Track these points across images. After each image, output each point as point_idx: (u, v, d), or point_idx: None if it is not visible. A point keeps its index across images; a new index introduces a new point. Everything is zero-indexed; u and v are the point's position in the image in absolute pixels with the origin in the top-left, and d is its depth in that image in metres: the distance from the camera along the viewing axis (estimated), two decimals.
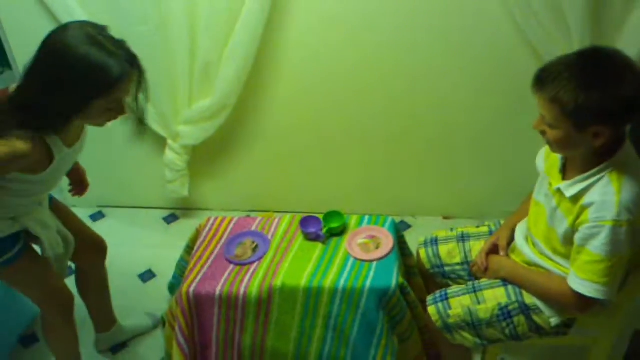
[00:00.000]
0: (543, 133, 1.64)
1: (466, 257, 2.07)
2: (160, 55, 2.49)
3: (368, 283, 1.95)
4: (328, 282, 1.96)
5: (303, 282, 1.97)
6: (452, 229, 2.16)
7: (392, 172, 2.90)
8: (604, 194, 1.57)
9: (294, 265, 2.03)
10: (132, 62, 1.64)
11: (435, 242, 2.13)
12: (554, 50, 2.27)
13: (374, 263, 2.02)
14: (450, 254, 2.09)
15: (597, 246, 1.57)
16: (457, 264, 2.08)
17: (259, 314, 2.00)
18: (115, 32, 2.42)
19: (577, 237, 1.62)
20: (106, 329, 2.42)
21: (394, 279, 1.95)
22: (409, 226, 2.98)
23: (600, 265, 1.58)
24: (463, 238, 2.11)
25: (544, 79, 1.56)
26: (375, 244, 2.09)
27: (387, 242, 2.09)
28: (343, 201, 2.80)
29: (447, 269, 2.09)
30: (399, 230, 2.19)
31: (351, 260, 2.04)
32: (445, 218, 3.01)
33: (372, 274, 1.98)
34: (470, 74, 2.54)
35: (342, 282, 1.96)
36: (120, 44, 1.63)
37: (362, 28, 2.46)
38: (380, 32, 2.46)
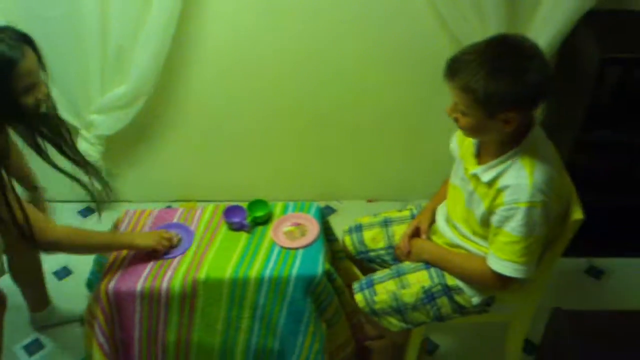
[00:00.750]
0: (456, 120, 1.66)
1: (390, 241, 2.09)
2: (70, 41, 2.38)
3: (294, 271, 1.93)
4: (254, 272, 1.93)
5: (228, 273, 1.93)
6: (375, 215, 2.18)
7: (316, 157, 2.89)
8: (517, 177, 1.61)
9: (219, 257, 1.98)
10: (22, 39, 1.61)
11: (359, 228, 2.14)
12: (472, 36, 2.31)
13: (300, 250, 2.00)
14: (374, 239, 2.11)
15: (514, 227, 1.62)
16: (382, 248, 2.10)
17: (183, 308, 1.94)
18: (21, 18, 2.31)
19: (494, 219, 1.66)
20: (39, 308, 2.38)
21: (320, 265, 1.94)
22: (334, 210, 2.99)
23: (518, 246, 1.63)
24: (386, 223, 2.13)
25: (454, 68, 1.57)
26: (301, 231, 2.07)
27: (313, 228, 2.07)
28: (267, 189, 2.77)
29: (372, 254, 2.11)
30: (324, 216, 2.18)
31: (277, 248, 2.01)
32: (369, 201, 3.03)
33: (298, 262, 1.96)
34: (391, 59, 2.56)
35: (268, 272, 1.93)
36: (3, 29, 1.60)
37: (283, 13, 2.42)
38: (303, 18, 2.43)
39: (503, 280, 1.70)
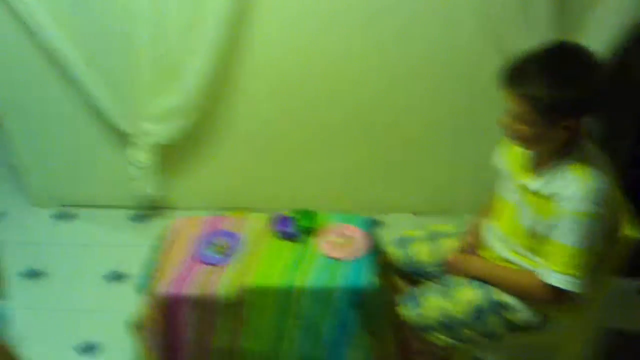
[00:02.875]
0: (509, 129, 1.64)
1: (437, 255, 2.07)
2: (126, 50, 2.43)
3: (341, 282, 1.93)
4: (300, 282, 1.94)
5: (275, 282, 1.94)
6: (422, 228, 2.16)
7: (364, 170, 2.89)
8: (569, 186, 1.59)
9: (266, 265, 2.00)
10: None
11: (406, 241, 2.13)
12: (520, 46, 2.28)
13: (347, 262, 2.00)
14: (421, 252, 2.09)
15: (567, 238, 1.59)
16: (429, 262, 2.08)
17: (232, 315, 1.97)
18: (80, 25, 2.39)
19: (546, 230, 1.64)
20: None
21: (367, 277, 1.94)
22: (380, 223, 2.98)
23: (571, 257, 1.60)
24: (434, 236, 2.11)
25: (514, 76, 1.57)
26: (348, 242, 2.07)
27: (360, 240, 2.07)
28: (315, 199, 2.78)
29: (418, 267, 2.09)
30: (372, 228, 2.18)
31: (323, 259, 2.02)
32: (415, 215, 3.01)
33: (345, 272, 1.96)
34: (439, 72, 2.54)
35: (315, 282, 1.94)
36: None
37: (337, 25, 2.43)
38: (355, 30, 2.45)
39: (556, 294, 1.66)
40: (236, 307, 1.96)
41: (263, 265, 2.00)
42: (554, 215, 1.60)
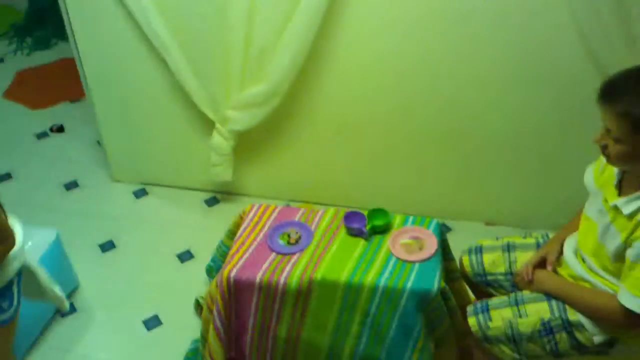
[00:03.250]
0: (604, 147, 1.60)
1: (510, 267, 2.03)
2: (217, 38, 2.50)
3: (409, 284, 1.93)
4: (368, 280, 1.95)
5: (343, 277, 1.96)
6: (497, 238, 2.13)
7: (438, 174, 2.86)
8: None
9: (335, 260, 2.02)
10: None
11: (480, 250, 2.10)
12: (617, 61, 2.20)
13: (416, 264, 2.00)
14: (494, 263, 2.06)
15: None
16: (501, 273, 2.04)
17: (297, 305, 2.00)
18: (177, 12, 2.47)
19: (631, 253, 1.59)
20: None
21: (436, 282, 1.93)
22: (449, 229, 2.94)
23: None
24: (509, 248, 2.07)
25: (612, 93, 1.53)
26: (419, 245, 2.07)
27: (431, 244, 2.06)
28: (387, 199, 2.77)
29: (490, 278, 2.06)
30: (443, 233, 2.16)
31: (393, 259, 2.02)
32: (487, 224, 2.96)
33: (413, 275, 1.96)
34: (532, 80, 2.48)
35: (382, 281, 1.94)
36: None
37: (423, 25, 2.41)
38: (441, 31, 2.42)
39: (633, 319, 1.61)
40: (302, 298, 1.98)
41: (333, 259, 2.02)
42: None
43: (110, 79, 2.85)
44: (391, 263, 2.01)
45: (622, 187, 1.69)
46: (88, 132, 3.50)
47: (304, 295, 1.98)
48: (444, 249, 2.15)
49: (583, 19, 2.23)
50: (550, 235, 2.02)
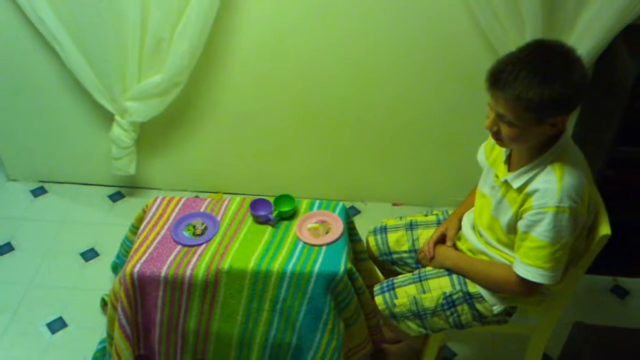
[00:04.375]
0: (497, 132, 1.65)
1: (414, 245, 2.09)
2: (110, 29, 2.41)
3: (316, 268, 1.94)
4: (276, 266, 1.95)
5: (251, 265, 1.94)
6: (401, 217, 2.18)
7: (344, 158, 2.90)
8: (547, 181, 1.61)
9: (243, 248, 2.00)
10: None
11: (384, 230, 2.15)
12: (507, 43, 2.30)
13: (323, 248, 2.01)
14: (398, 242, 2.11)
15: (541, 232, 1.61)
16: (405, 251, 2.10)
17: (205, 296, 1.97)
18: (65, 4, 2.36)
19: (521, 224, 1.66)
20: None
21: (342, 264, 1.95)
22: (358, 212, 2.99)
23: (544, 251, 1.62)
24: (411, 226, 2.12)
25: (502, 79, 1.55)
26: (325, 228, 2.09)
27: (337, 227, 2.08)
28: (294, 185, 2.79)
29: (394, 256, 2.11)
30: (349, 216, 2.19)
31: (300, 244, 2.03)
32: (394, 205, 3.03)
33: (320, 258, 1.97)
34: (424, 64, 2.54)
35: (290, 266, 1.95)
36: None
37: (320, 13, 2.42)
38: (338, 18, 2.43)
39: (528, 287, 1.69)
40: (210, 289, 1.96)
41: (240, 248, 2.00)
42: (530, 209, 1.62)
43: None
44: (298, 248, 2.02)
45: (511, 163, 1.75)
46: None
47: (211, 286, 1.95)
48: (351, 231, 2.18)
49: (475, 6, 2.29)
50: (450, 212, 2.09)
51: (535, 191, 1.62)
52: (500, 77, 1.56)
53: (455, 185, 2.86)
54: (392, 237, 2.12)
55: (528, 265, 1.66)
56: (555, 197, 1.58)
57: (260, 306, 1.99)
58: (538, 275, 1.65)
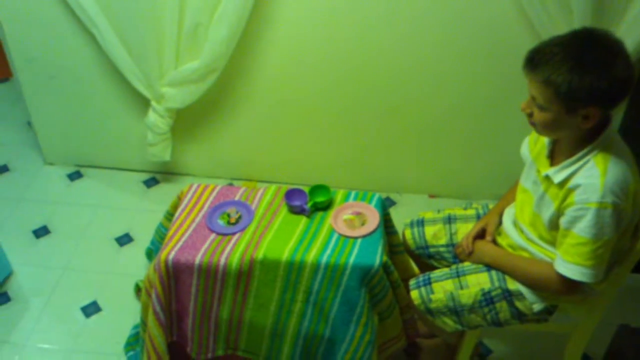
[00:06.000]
0: (530, 115, 1.61)
1: (452, 239, 2.04)
2: (148, 14, 2.40)
3: (351, 260, 1.91)
4: (310, 257, 1.92)
5: (285, 255, 1.92)
6: (439, 210, 2.13)
7: (381, 148, 2.85)
8: (589, 176, 1.55)
9: (277, 238, 1.98)
10: None
11: (421, 223, 2.10)
12: (554, 32, 2.21)
13: (358, 240, 1.98)
14: (435, 235, 2.06)
15: (582, 228, 1.56)
16: (442, 245, 2.05)
17: (239, 285, 1.95)
18: None
19: (563, 220, 1.61)
20: None
21: (378, 257, 1.92)
22: (394, 203, 2.95)
23: (586, 248, 1.57)
24: (450, 220, 2.08)
25: (536, 60, 1.53)
26: (361, 220, 2.05)
27: (373, 219, 2.04)
28: (329, 175, 2.76)
29: (431, 250, 2.07)
30: (385, 208, 2.15)
31: (335, 235, 2.00)
32: (431, 197, 2.98)
33: (355, 250, 1.94)
34: (466, 55, 2.48)
35: (324, 258, 1.92)
36: None
37: (363, 3, 2.38)
38: (380, 6, 2.38)
39: (569, 285, 1.64)
40: (244, 279, 1.94)
41: (274, 238, 1.98)
42: (572, 205, 1.57)
43: (38, 57, 2.71)
44: (333, 239, 1.98)
45: (553, 157, 1.70)
46: (18, 114, 3.34)
47: (245, 275, 1.94)
48: (387, 223, 2.14)
49: None
50: (490, 206, 2.04)
51: (577, 186, 1.56)
52: (535, 57, 1.53)
53: (494, 178, 2.80)
54: (429, 231, 2.07)
55: (569, 262, 1.60)
56: (597, 193, 1.53)
57: (294, 297, 1.97)
58: (579, 273, 1.59)
